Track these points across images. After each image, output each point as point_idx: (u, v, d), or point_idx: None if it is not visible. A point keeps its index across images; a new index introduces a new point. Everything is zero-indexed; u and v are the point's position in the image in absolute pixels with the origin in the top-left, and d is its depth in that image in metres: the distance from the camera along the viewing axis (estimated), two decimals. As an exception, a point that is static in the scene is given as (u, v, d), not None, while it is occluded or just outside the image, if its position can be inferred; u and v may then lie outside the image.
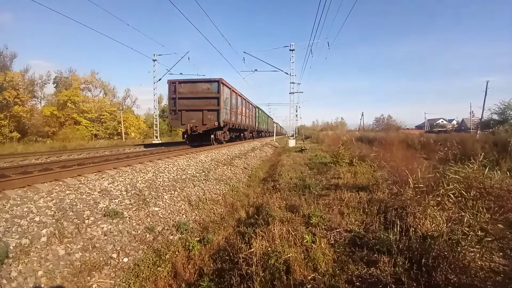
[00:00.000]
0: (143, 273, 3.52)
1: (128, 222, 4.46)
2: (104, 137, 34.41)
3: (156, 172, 7.05)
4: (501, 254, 2.93)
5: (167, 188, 6.23)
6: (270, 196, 6.26)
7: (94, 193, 4.88)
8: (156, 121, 27.78)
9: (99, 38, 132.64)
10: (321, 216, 4.42)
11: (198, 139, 15.04)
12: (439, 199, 4.06)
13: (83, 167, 6.48)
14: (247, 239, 3.94)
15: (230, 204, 6.76)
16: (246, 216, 5.57)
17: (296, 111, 33.08)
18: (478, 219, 3.31)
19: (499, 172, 4.57)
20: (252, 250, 3.43)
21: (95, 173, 6.15)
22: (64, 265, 3.19)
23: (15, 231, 3.33)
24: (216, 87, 14.17)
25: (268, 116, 43.19)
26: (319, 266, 2.96)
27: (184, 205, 5.87)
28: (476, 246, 2.90)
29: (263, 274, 2.87)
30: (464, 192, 4.00)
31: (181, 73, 42.76)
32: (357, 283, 2.66)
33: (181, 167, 8.21)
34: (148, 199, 5.36)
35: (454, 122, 79.37)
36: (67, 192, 4.66)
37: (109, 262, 3.55)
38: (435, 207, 3.85)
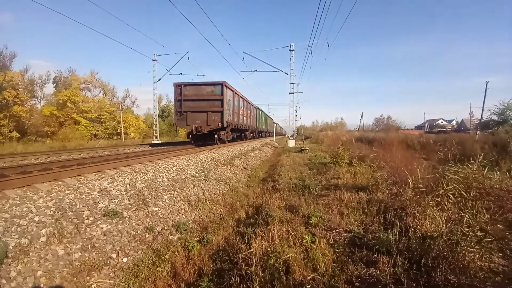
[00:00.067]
0: (142, 273, 3.51)
1: (128, 222, 4.45)
2: (103, 137, 34.37)
3: (156, 172, 7.05)
4: (500, 254, 2.93)
5: (166, 188, 6.23)
6: (269, 196, 6.26)
7: (93, 193, 4.88)
8: (155, 121, 27.76)
9: (99, 38, 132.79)
10: (320, 216, 4.42)
11: (202, 139, 15.60)
12: (439, 199, 4.06)
13: (83, 167, 6.48)
14: (246, 239, 3.94)
15: (230, 204, 6.76)
16: (245, 216, 5.57)
17: (296, 112, 33.18)
18: (478, 220, 3.31)
19: (498, 172, 4.57)
20: (251, 250, 3.43)
21: (95, 173, 6.15)
22: (63, 265, 3.19)
23: (14, 231, 3.33)
24: (220, 89, 14.84)
25: (268, 116, 43.28)
26: (318, 266, 2.96)
27: (183, 205, 5.87)
28: (476, 247, 2.90)
29: (262, 274, 2.86)
30: (463, 193, 4.00)
31: (181, 73, 43.01)
32: (357, 284, 2.66)
33: (181, 167, 8.21)
34: (147, 199, 5.36)
35: (454, 122, 79.48)
36: (67, 192, 4.66)
37: (108, 262, 3.55)
38: (434, 208, 3.85)
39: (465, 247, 2.87)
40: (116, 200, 4.89)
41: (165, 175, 7.08)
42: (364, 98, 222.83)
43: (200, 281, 3.13)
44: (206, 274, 3.36)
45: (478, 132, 29.91)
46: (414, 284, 2.55)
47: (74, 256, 3.36)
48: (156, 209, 5.20)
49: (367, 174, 7.65)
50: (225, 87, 14.88)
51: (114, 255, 3.69)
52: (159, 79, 26.90)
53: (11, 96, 31.27)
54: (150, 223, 4.72)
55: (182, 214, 5.50)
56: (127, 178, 6.07)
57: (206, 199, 6.58)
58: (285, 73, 26.00)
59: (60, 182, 5.14)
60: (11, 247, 3.07)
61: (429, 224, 3.60)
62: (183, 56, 25.67)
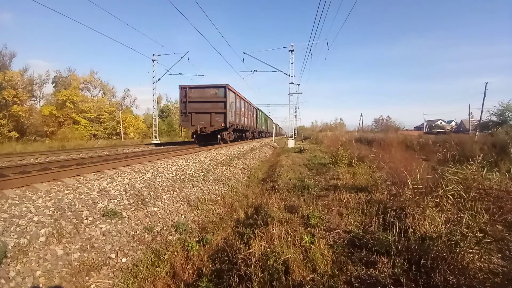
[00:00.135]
0: (141, 274, 3.51)
1: (127, 222, 4.45)
2: (103, 137, 34.34)
3: (155, 173, 7.04)
4: (500, 255, 2.93)
5: (166, 189, 6.23)
6: (269, 196, 6.26)
7: (92, 193, 4.87)
8: (155, 121, 27.73)
9: (99, 38, 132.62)
10: (320, 216, 4.42)
11: (206, 139, 16.34)
12: (438, 200, 4.06)
13: (82, 167, 6.47)
14: (246, 240, 3.94)
15: (229, 205, 6.76)
16: (245, 216, 5.57)
17: (295, 112, 33.15)
18: (477, 220, 3.31)
19: (498, 173, 4.58)
20: (251, 250, 3.43)
21: (94, 173, 6.15)
22: (62, 265, 3.18)
23: (13, 230, 3.32)
24: (223, 92, 15.68)
25: (268, 117, 43.37)
26: (318, 267, 2.96)
27: (183, 205, 5.86)
28: (475, 247, 2.90)
29: (262, 274, 2.86)
30: (463, 193, 4.01)
31: (180, 73, 42.69)
32: (356, 284, 2.66)
33: (180, 168, 8.21)
34: (147, 199, 5.36)
35: (453, 123, 79.66)
36: (66, 192, 4.65)
37: (107, 262, 3.54)
38: (434, 208, 3.85)
39: (465, 247, 2.87)
40: (115, 200, 4.88)
41: (165, 175, 7.08)
42: (364, 98, 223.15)
43: (199, 282, 3.12)
44: (205, 274, 3.36)
45: (477, 133, 29.97)
46: (413, 285, 2.55)
47: (73, 256, 3.36)
48: (155, 209, 5.19)
49: (367, 174, 7.65)
50: (228, 90, 15.65)
51: (113, 255, 3.68)
52: (159, 79, 26.90)
53: (11, 96, 31.23)
54: (149, 223, 4.72)
55: (182, 215, 5.49)
56: (127, 178, 6.07)
57: (205, 200, 6.57)
58: (285, 73, 26.05)
59: (59, 182, 5.14)
60: (10, 247, 3.06)
61: (429, 224, 3.61)
62: (182, 56, 25.69)
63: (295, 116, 32.76)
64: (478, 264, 2.73)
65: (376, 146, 13.23)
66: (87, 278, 3.22)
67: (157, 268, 3.66)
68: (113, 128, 38.46)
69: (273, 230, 3.88)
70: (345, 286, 2.64)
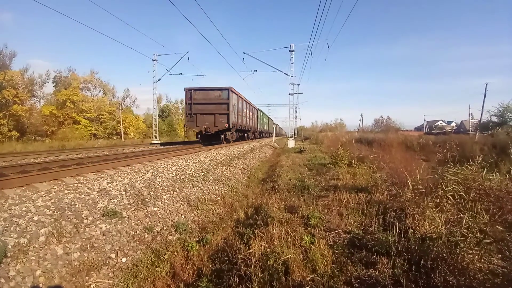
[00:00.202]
0: (141, 273, 3.51)
1: (127, 222, 4.45)
2: (103, 136, 34.35)
3: (155, 172, 7.05)
4: (500, 256, 2.93)
5: (166, 188, 6.23)
6: (269, 196, 6.25)
7: (93, 193, 4.87)
8: (155, 121, 27.73)
9: (99, 38, 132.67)
10: (320, 217, 4.42)
11: (210, 138, 17.13)
12: (438, 200, 4.06)
13: (82, 166, 6.48)
14: (246, 240, 3.94)
15: (229, 205, 6.76)
16: (245, 216, 5.57)
17: (296, 112, 33.17)
18: (477, 221, 3.31)
19: (498, 174, 4.57)
20: (251, 251, 3.43)
21: (94, 173, 6.15)
22: (62, 264, 3.18)
23: (13, 230, 3.32)
24: (226, 94, 16.40)
25: (268, 117, 43.47)
26: (318, 267, 2.96)
27: (183, 205, 5.86)
28: (475, 248, 2.90)
29: (261, 275, 2.86)
30: (463, 194, 4.00)
31: (181, 73, 42.87)
32: (356, 285, 2.66)
33: (180, 168, 8.21)
34: (147, 199, 5.36)
35: (453, 124, 79.64)
36: (66, 191, 4.65)
37: (107, 262, 3.54)
38: (434, 209, 3.85)
39: (465, 248, 2.87)
40: (115, 200, 4.88)
41: (165, 175, 7.08)
42: (364, 99, 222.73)
43: (199, 282, 3.12)
44: (205, 274, 3.36)
45: (477, 133, 29.97)
46: (413, 285, 2.55)
47: (73, 256, 3.36)
48: (155, 209, 5.19)
49: (367, 175, 7.65)
50: (231, 92, 16.39)
51: (113, 255, 3.68)
52: (159, 79, 26.89)
53: (11, 95, 31.26)
54: (149, 223, 4.72)
55: (182, 214, 5.49)
56: (127, 178, 6.07)
57: (205, 200, 6.57)
58: (285, 73, 26.03)
59: (59, 182, 5.14)
60: (10, 247, 3.06)
61: (429, 225, 3.60)
62: (183, 56, 25.72)
63: (295, 116, 32.82)
64: (478, 265, 2.73)
65: (376, 146, 13.23)
66: (87, 277, 3.22)
67: (157, 268, 3.66)
68: (113, 128, 38.48)
69: (273, 230, 3.88)
70: (345, 286, 2.64)
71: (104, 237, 3.89)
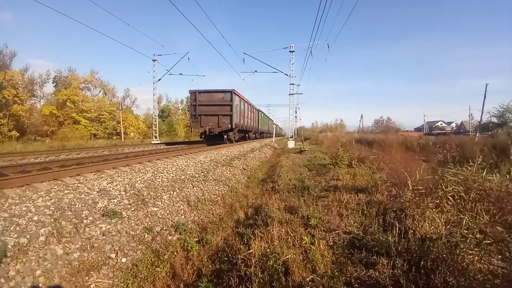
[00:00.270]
0: (141, 274, 3.51)
1: (127, 222, 4.45)
2: (103, 136, 34.35)
3: (155, 173, 7.05)
4: (500, 256, 2.93)
5: (166, 189, 6.23)
6: (269, 197, 6.25)
7: (92, 193, 4.87)
8: (155, 121, 27.74)
9: (99, 38, 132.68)
10: (320, 217, 4.42)
11: (214, 139, 17.86)
12: (438, 201, 4.06)
13: (82, 166, 6.47)
14: (245, 240, 3.94)
15: (229, 205, 6.76)
16: (245, 217, 5.57)
17: (296, 113, 33.18)
18: (477, 222, 3.31)
19: (498, 175, 4.58)
20: (250, 251, 3.43)
21: (94, 173, 6.15)
22: (62, 264, 3.18)
23: (13, 230, 3.32)
24: (229, 96, 17.06)
25: (269, 118, 43.58)
26: (317, 268, 2.96)
27: (183, 205, 5.86)
28: (475, 249, 2.90)
29: (261, 275, 2.86)
30: (463, 195, 4.00)
31: (181, 74, 43.00)
32: (356, 285, 2.66)
33: (180, 168, 8.21)
34: (147, 199, 5.36)
35: (453, 124, 79.61)
36: (66, 191, 4.65)
37: (107, 262, 3.54)
38: (434, 210, 3.85)
39: (465, 249, 2.87)
40: (115, 200, 4.88)
41: (165, 175, 7.08)
42: (364, 99, 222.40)
43: (199, 282, 3.12)
44: (205, 274, 3.36)
45: (477, 134, 29.97)
46: (413, 286, 2.55)
47: (73, 256, 3.36)
48: (155, 209, 5.19)
49: (367, 175, 7.65)
50: (234, 94, 17.08)
51: (113, 255, 3.68)
52: (159, 79, 26.93)
53: (11, 95, 31.27)
54: (149, 223, 4.72)
55: (181, 215, 5.49)
56: (127, 178, 6.07)
57: (205, 200, 6.57)
58: (285, 74, 26.08)
59: (59, 182, 5.14)
60: (10, 246, 3.06)
61: (429, 226, 3.60)
62: (183, 56, 25.79)
63: (295, 116, 32.82)
64: (478, 266, 2.73)
65: (376, 147, 13.22)
66: (86, 277, 3.22)
67: (156, 268, 3.66)
68: (113, 128, 38.48)
69: (273, 230, 3.88)
70: (345, 287, 2.64)
71: (104, 237, 3.89)
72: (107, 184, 5.43)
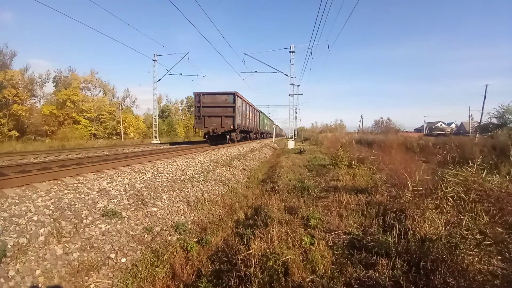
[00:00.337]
0: (141, 274, 3.51)
1: (127, 222, 4.45)
2: (103, 136, 34.34)
3: (155, 173, 7.05)
4: (499, 257, 2.93)
5: (165, 189, 6.22)
6: (268, 197, 6.25)
7: (92, 193, 4.87)
8: (155, 121, 27.74)
9: (99, 38, 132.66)
10: (319, 218, 4.42)
11: (217, 139, 18.46)
12: (438, 202, 4.06)
13: (82, 166, 6.47)
14: (245, 241, 3.93)
15: (229, 205, 6.76)
16: (244, 217, 5.56)
17: (296, 113, 33.18)
18: (477, 222, 3.31)
19: (498, 175, 4.58)
20: (250, 251, 3.43)
21: (94, 173, 6.15)
22: (62, 264, 3.18)
23: (13, 230, 3.32)
24: (232, 98, 17.77)
25: (269, 118, 43.67)
26: (317, 268, 2.95)
27: (182, 205, 5.86)
28: (475, 250, 2.90)
29: (261, 275, 2.86)
30: (463, 195, 4.01)
31: (181, 74, 43.21)
32: (356, 286, 2.66)
33: (180, 168, 8.21)
34: (146, 200, 5.35)
35: (453, 125, 79.56)
36: (66, 191, 4.65)
37: (107, 262, 3.54)
38: (433, 210, 3.85)
39: (464, 250, 2.87)
40: (115, 200, 4.88)
41: (164, 175, 7.08)
42: (364, 100, 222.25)
43: (198, 282, 3.12)
44: (204, 275, 3.35)
45: (477, 135, 29.97)
46: (413, 287, 2.55)
47: (73, 256, 3.36)
48: (155, 209, 5.19)
49: (367, 176, 7.65)
50: (236, 96, 17.81)
51: (112, 255, 3.68)
52: (159, 79, 26.96)
53: (11, 95, 31.27)
54: (149, 223, 4.71)
55: (181, 215, 5.49)
56: (126, 178, 6.07)
57: (205, 200, 6.57)
58: (285, 74, 26.10)
59: (59, 182, 5.14)
60: (9, 246, 3.06)
61: (428, 226, 3.60)
62: (183, 56, 25.85)
63: (295, 117, 32.82)
64: (477, 267, 2.73)
65: (376, 147, 13.23)
66: (86, 278, 3.21)
67: (156, 269, 3.66)
68: (113, 128, 38.47)
69: (272, 231, 3.88)
70: (344, 287, 2.64)
71: (104, 237, 3.89)
72: (107, 184, 5.43)
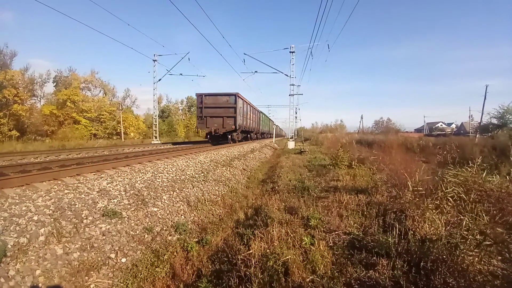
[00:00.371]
0: (141, 274, 3.51)
1: (127, 222, 4.45)
2: (103, 136, 34.35)
3: (155, 173, 7.05)
4: (500, 258, 2.93)
5: (166, 189, 6.23)
6: (269, 197, 6.25)
7: (92, 193, 4.87)
8: (155, 121, 27.75)
9: (100, 38, 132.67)
10: (320, 218, 4.41)
11: (218, 139, 18.97)
12: (438, 202, 4.06)
13: (82, 166, 6.47)
14: (245, 241, 3.93)
15: (229, 205, 6.75)
16: (244, 217, 5.56)
17: (296, 113, 33.18)
18: (477, 223, 3.31)
19: (498, 176, 4.58)
20: (250, 251, 3.43)
21: (94, 173, 6.15)
22: (62, 264, 3.18)
23: (13, 229, 3.32)
24: (233, 99, 18.22)
25: (269, 119, 43.74)
26: (317, 269, 2.95)
27: (183, 205, 5.86)
28: (475, 250, 2.90)
29: (261, 275, 2.86)
30: (463, 196, 4.00)
31: (181, 74, 43.30)
32: (356, 286, 2.66)
33: (180, 168, 8.21)
34: (147, 200, 5.36)
35: (453, 125, 79.57)
36: (66, 191, 4.65)
37: (107, 262, 3.54)
38: (434, 211, 3.85)
39: (465, 250, 2.87)
40: (115, 200, 4.88)
41: (165, 175, 7.08)
42: (364, 100, 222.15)
43: (198, 282, 3.12)
44: (205, 275, 3.35)
45: (477, 135, 29.97)
46: (413, 287, 2.55)
47: (73, 255, 3.36)
48: (155, 209, 5.19)
49: (367, 176, 7.65)
50: (237, 97, 18.26)
51: (113, 255, 3.68)
52: (159, 80, 26.98)
53: (11, 95, 31.27)
54: (149, 223, 4.71)
55: (181, 215, 5.49)
56: (127, 178, 6.07)
57: (205, 200, 6.57)
58: (285, 74, 26.11)
59: (59, 182, 5.14)
60: (10, 246, 3.06)
61: (429, 227, 3.60)
62: (183, 56, 25.88)
63: (296, 117, 32.83)
64: (478, 267, 2.72)
65: (376, 148, 13.22)
66: (86, 277, 3.21)
67: (156, 269, 3.66)
68: (113, 128, 38.48)
69: (273, 231, 3.88)
70: (344, 287, 2.64)
71: (104, 237, 3.89)
72: (107, 184, 5.43)
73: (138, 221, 4.62)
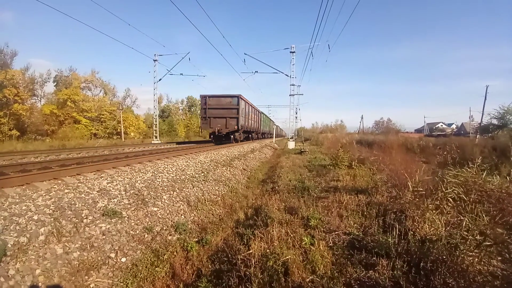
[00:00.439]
0: (141, 273, 3.51)
1: (127, 221, 4.45)
2: (103, 136, 34.34)
3: (155, 172, 7.05)
4: (500, 258, 2.93)
5: (166, 189, 6.23)
6: (269, 197, 6.25)
7: (93, 192, 4.88)
8: (156, 121, 27.75)
9: (100, 38, 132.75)
10: (320, 218, 4.41)
11: (221, 139, 19.67)
12: (438, 202, 4.06)
13: (82, 166, 6.48)
14: (245, 241, 3.93)
15: (229, 205, 6.76)
16: (244, 217, 5.56)
17: (296, 113, 33.17)
18: (477, 223, 3.31)
19: (498, 176, 4.57)
20: (250, 251, 3.43)
21: (94, 172, 6.16)
22: (62, 264, 3.18)
23: (13, 229, 3.32)
24: (236, 100, 18.98)
25: (270, 119, 43.84)
26: (317, 269, 2.95)
27: (183, 205, 5.86)
28: (475, 250, 2.90)
29: (261, 275, 2.86)
30: (463, 196, 4.00)
31: (182, 74, 43.25)
32: (356, 286, 2.66)
33: (180, 168, 8.21)
34: (147, 199, 5.36)
35: (454, 126, 79.48)
36: (66, 191, 4.66)
37: (107, 262, 3.54)
38: (434, 211, 3.85)
39: (464, 250, 2.87)
40: (115, 200, 4.89)
41: (165, 175, 7.08)
42: (364, 100, 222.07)
43: (198, 282, 3.12)
44: (204, 275, 3.36)
45: (477, 136, 29.93)
46: (413, 287, 2.55)
47: (73, 255, 3.36)
48: (155, 209, 5.20)
49: (367, 176, 7.65)
50: (240, 99, 19.06)
51: (112, 255, 3.68)
52: (160, 79, 27.00)
53: (12, 94, 31.25)
54: (149, 223, 4.72)
55: (181, 215, 5.49)
56: (127, 177, 6.08)
57: (205, 200, 6.57)
58: (286, 74, 26.12)
59: (59, 181, 5.15)
60: (9, 245, 3.06)
61: (428, 227, 3.60)
62: (184, 56, 25.90)
63: (296, 117, 32.82)
64: (478, 267, 2.72)
65: (376, 148, 13.21)
66: (86, 277, 3.22)
67: (156, 268, 3.66)
68: (113, 127, 38.47)
69: (273, 231, 3.88)
70: (344, 288, 2.64)
71: (104, 237, 3.89)
72: (107, 184, 5.43)
73: (138, 221, 4.63)
